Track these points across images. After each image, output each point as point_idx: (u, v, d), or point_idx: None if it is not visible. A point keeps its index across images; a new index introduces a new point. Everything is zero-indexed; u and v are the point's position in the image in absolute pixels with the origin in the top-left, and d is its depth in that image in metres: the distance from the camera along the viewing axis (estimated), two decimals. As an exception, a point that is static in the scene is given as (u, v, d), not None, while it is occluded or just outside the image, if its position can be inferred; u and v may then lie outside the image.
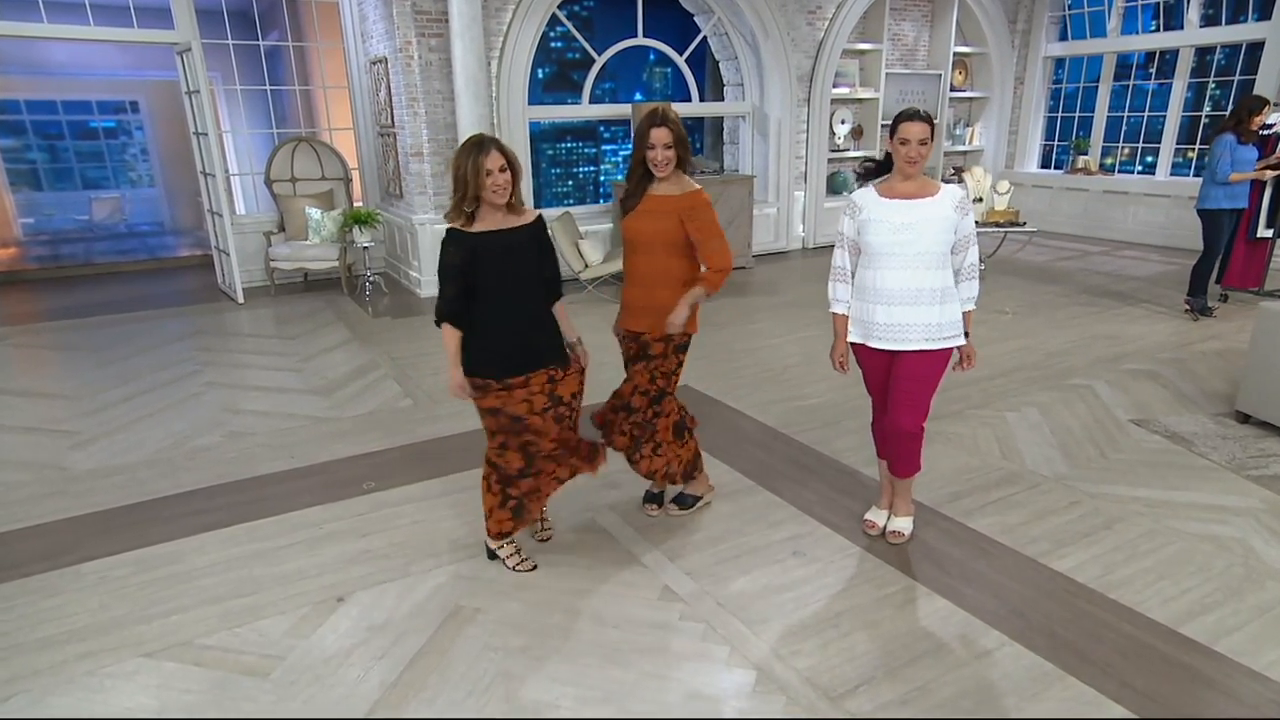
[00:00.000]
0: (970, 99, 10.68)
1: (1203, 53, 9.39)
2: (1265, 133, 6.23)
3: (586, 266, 7.15)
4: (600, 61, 8.20)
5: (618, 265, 6.67)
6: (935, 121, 2.91)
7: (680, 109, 8.30)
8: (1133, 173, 10.13)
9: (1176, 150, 9.59)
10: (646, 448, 3.16)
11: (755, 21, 8.47)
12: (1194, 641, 2.53)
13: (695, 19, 8.85)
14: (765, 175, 9.17)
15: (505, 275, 2.71)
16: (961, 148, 10.64)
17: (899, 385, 2.93)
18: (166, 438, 4.32)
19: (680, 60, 8.62)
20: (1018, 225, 7.44)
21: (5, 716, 2.31)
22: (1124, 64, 10.18)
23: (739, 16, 8.52)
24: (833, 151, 9.50)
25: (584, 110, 8.89)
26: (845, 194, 9.66)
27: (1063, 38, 10.53)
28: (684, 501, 3.41)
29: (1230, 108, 6.89)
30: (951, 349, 2.90)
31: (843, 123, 9.54)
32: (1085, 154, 10.30)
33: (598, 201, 10.51)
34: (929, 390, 2.94)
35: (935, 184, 2.84)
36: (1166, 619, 2.64)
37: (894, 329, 2.86)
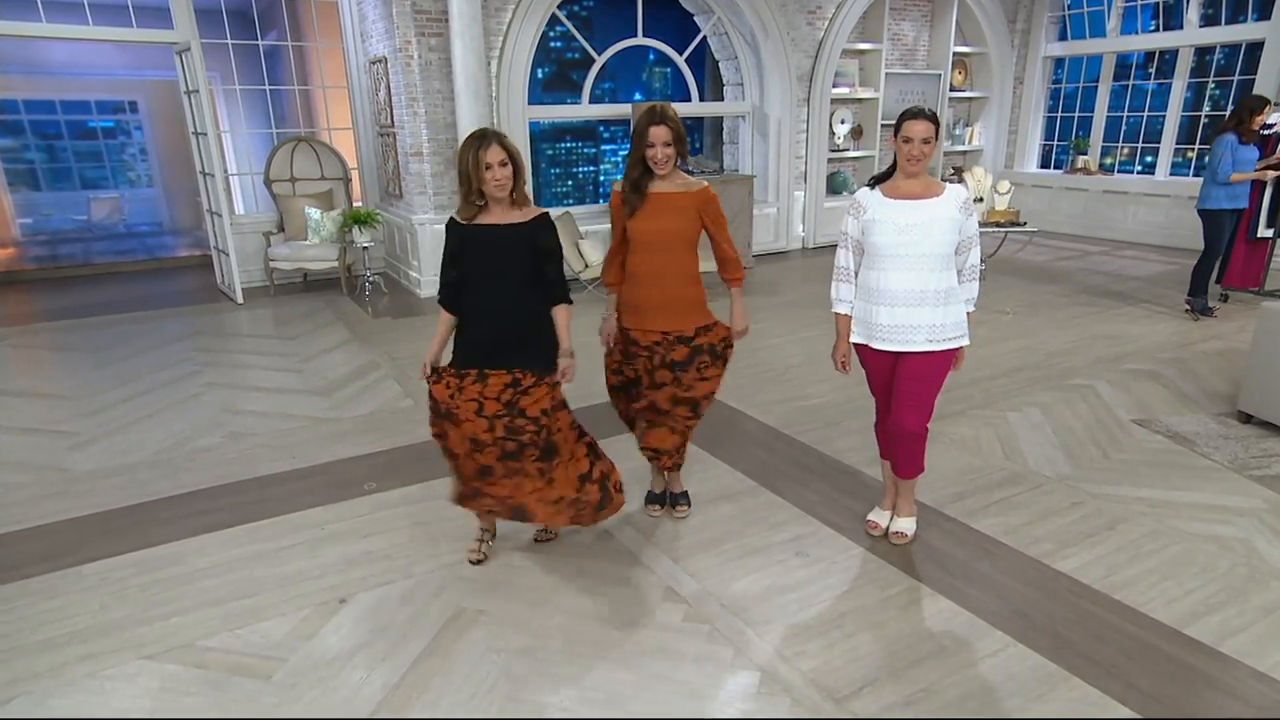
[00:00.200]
0: (970, 99, 10.68)
1: (1202, 53, 9.39)
2: (1266, 133, 6.23)
3: (586, 266, 7.14)
4: (600, 61, 8.19)
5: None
6: (940, 120, 2.89)
7: (680, 109, 8.21)
8: (1132, 173, 10.14)
9: (1176, 150, 9.59)
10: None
11: (755, 21, 8.46)
12: (1199, 642, 2.53)
13: (695, 19, 8.84)
14: (765, 175, 9.17)
15: (487, 269, 2.72)
16: (961, 148, 10.64)
17: (902, 386, 2.93)
18: (167, 438, 4.31)
19: (680, 60, 8.61)
20: (1018, 225, 7.44)
21: (6, 718, 2.30)
22: (1123, 64, 10.18)
23: (739, 16, 8.51)
24: (832, 151, 9.50)
25: (584, 110, 8.88)
26: (846, 194, 9.66)
27: (1062, 37, 10.53)
28: (683, 499, 3.42)
29: (1230, 108, 6.89)
30: (956, 350, 2.90)
31: (842, 122, 9.54)
32: (1085, 154, 10.30)
33: (597, 201, 10.51)
34: (933, 391, 2.94)
35: (940, 184, 2.83)
36: (1171, 620, 2.64)
37: (897, 330, 2.85)
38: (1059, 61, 10.72)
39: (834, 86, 9.22)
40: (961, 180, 8.39)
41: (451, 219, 2.75)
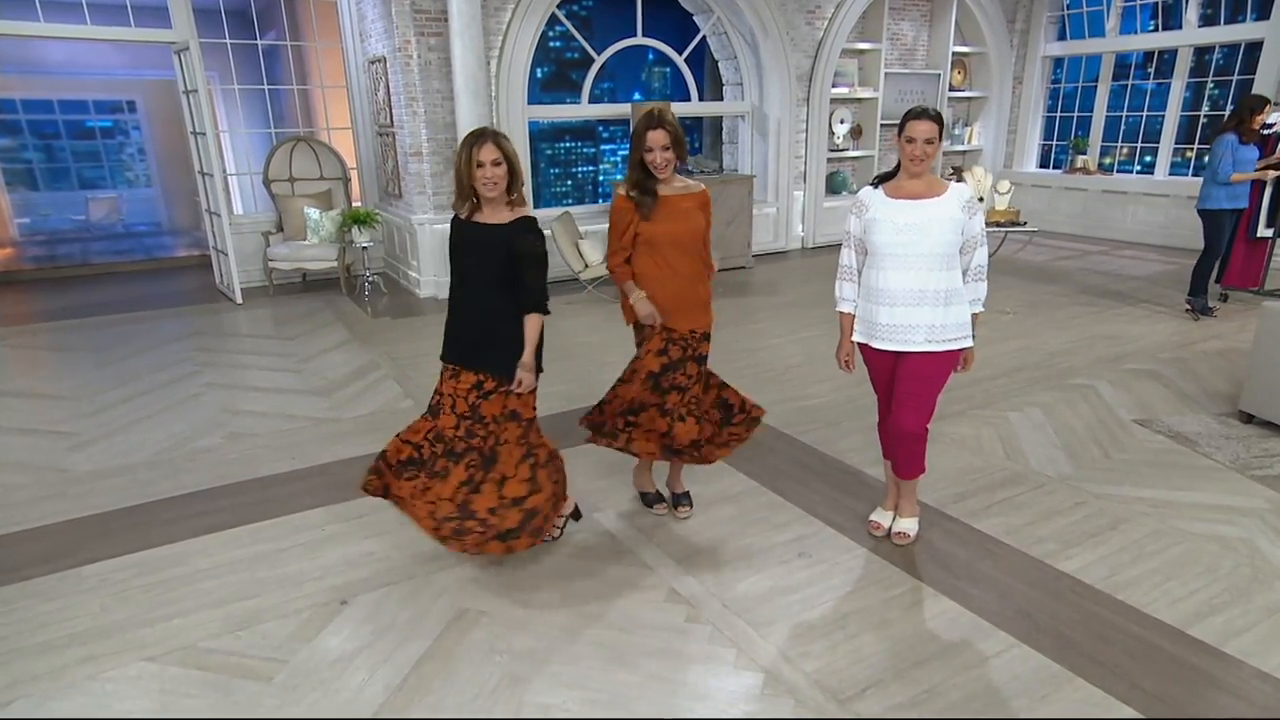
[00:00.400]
0: (969, 99, 10.68)
1: (1201, 52, 9.40)
2: (1266, 132, 6.24)
3: (587, 266, 7.13)
4: (599, 61, 8.18)
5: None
6: (944, 121, 2.89)
7: (679, 108, 8.30)
8: (1131, 172, 10.15)
9: (1175, 150, 9.60)
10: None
11: (754, 21, 8.46)
12: (1202, 643, 2.52)
13: (694, 18, 8.83)
14: (764, 175, 9.16)
15: (467, 267, 2.78)
16: (960, 147, 10.64)
17: (902, 386, 2.92)
18: (166, 439, 4.30)
19: (679, 60, 8.61)
20: (1018, 225, 7.44)
21: (6, 721, 2.29)
22: (1122, 64, 10.19)
23: (738, 16, 8.51)
24: (832, 151, 9.49)
25: (583, 110, 8.87)
26: (845, 194, 9.67)
27: (1061, 37, 10.53)
28: (684, 500, 3.41)
29: (1229, 107, 6.89)
30: (958, 351, 2.89)
31: (842, 122, 9.54)
32: (1084, 153, 10.30)
33: (596, 201, 10.51)
34: (933, 392, 2.93)
35: (944, 183, 2.83)
36: (1174, 620, 2.63)
37: (897, 330, 2.85)
38: (1058, 61, 10.72)
39: (833, 86, 9.22)
40: (961, 180, 8.39)
41: (455, 214, 2.82)
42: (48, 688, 2.41)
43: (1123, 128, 10.16)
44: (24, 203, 13.25)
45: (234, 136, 10.49)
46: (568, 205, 8.69)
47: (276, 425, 4.47)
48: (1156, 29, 9.71)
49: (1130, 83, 10.18)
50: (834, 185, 9.71)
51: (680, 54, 8.61)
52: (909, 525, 3.16)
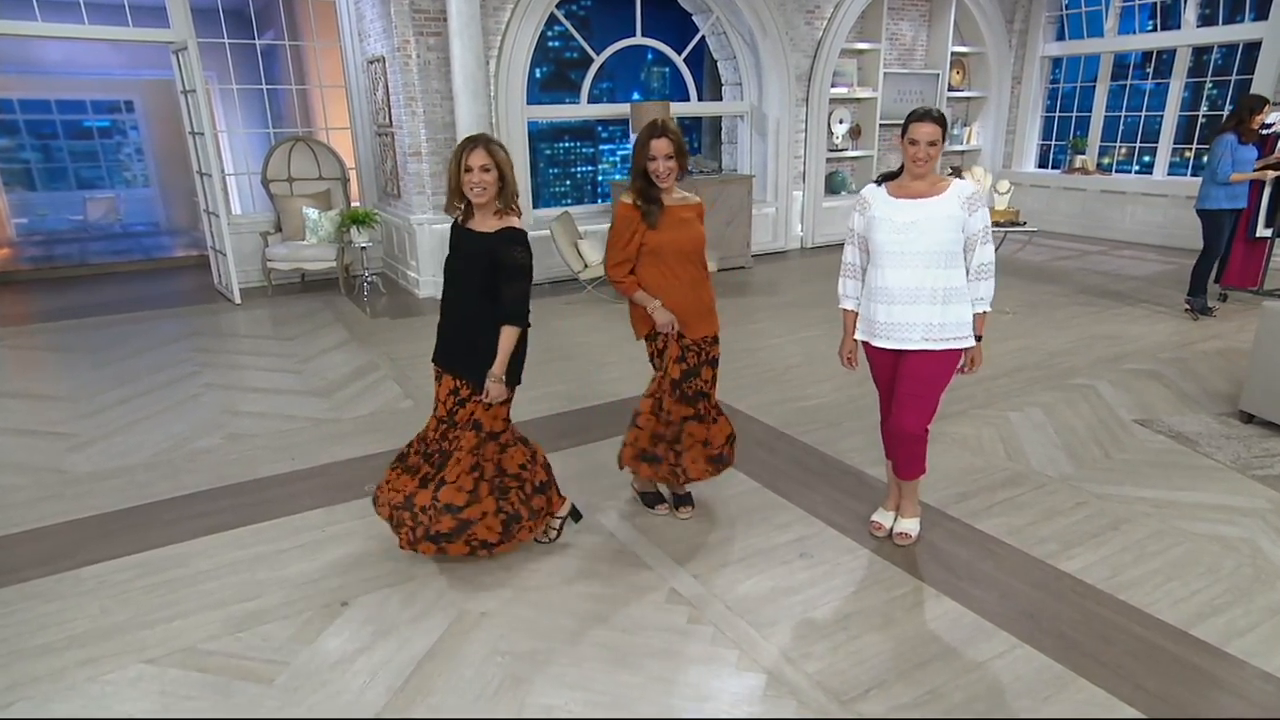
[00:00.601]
0: (968, 99, 10.68)
1: (1200, 52, 9.41)
2: (1265, 132, 6.24)
3: (586, 266, 7.12)
4: (599, 61, 8.18)
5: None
6: (947, 122, 2.90)
7: (678, 108, 8.30)
8: (1130, 172, 10.15)
9: (1174, 150, 9.61)
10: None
11: (754, 21, 8.45)
12: (1205, 643, 2.52)
13: (693, 18, 8.83)
14: (764, 175, 9.16)
15: (452, 273, 2.81)
16: (959, 147, 10.65)
17: (902, 385, 2.92)
18: (166, 440, 4.28)
19: (679, 60, 8.60)
20: (1018, 225, 7.44)
21: (6, 724, 2.28)
22: (1121, 64, 10.19)
23: (737, 16, 8.50)
24: (831, 151, 9.50)
25: (582, 110, 8.87)
26: (844, 193, 9.67)
27: (1060, 37, 10.54)
28: (686, 500, 3.40)
29: (1228, 107, 6.90)
30: (959, 350, 2.88)
31: (841, 122, 9.54)
32: (1083, 153, 10.31)
33: (595, 201, 10.49)
34: (933, 392, 2.93)
35: (946, 181, 2.83)
36: (1177, 620, 2.63)
37: (894, 328, 2.85)
38: (1057, 61, 10.73)
39: (832, 86, 9.22)
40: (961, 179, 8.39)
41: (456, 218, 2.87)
42: (47, 690, 2.40)
43: (1121, 128, 10.17)
44: (21, 203, 13.24)
45: (232, 136, 10.47)
46: (567, 205, 8.69)
47: (276, 426, 4.46)
48: (1155, 29, 9.71)
49: (1129, 83, 10.19)
50: (833, 185, 9.71)
51: (679, 54, 8.60)
52: (910, 526, 3.16)
